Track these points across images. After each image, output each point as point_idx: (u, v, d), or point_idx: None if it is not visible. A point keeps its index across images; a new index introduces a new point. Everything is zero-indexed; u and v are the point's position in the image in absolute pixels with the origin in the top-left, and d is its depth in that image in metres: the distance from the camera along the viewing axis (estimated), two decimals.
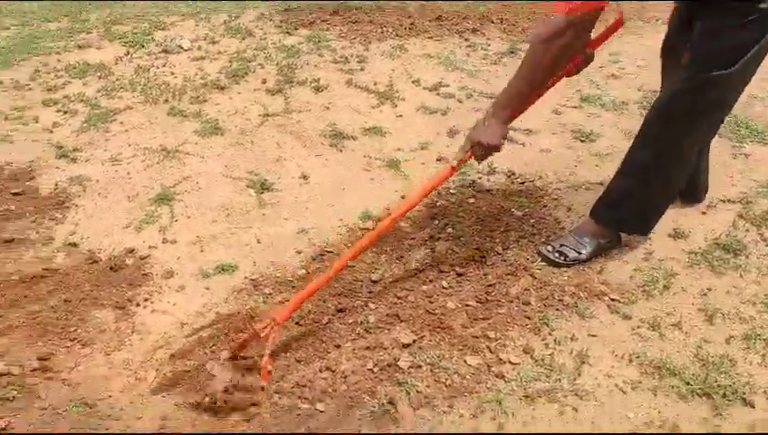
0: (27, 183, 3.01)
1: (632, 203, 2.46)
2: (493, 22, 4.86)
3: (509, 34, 4.68)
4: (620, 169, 2.47)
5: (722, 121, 2.40)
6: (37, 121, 3.53)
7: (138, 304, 2.37)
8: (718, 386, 1.98)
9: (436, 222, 2.76)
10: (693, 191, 2.77)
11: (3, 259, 2.53)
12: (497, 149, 2.24)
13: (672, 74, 2.35)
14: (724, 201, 2.83)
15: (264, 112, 3.61)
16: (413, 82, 3.96)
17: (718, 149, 3.21)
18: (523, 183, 3.02)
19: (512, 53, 4.36)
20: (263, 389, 1.95)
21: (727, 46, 2.07)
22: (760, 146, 3.24)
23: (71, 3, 5.37)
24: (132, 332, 2.27)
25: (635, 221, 2.53)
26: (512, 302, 2.33)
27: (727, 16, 2.04)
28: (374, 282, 2.45)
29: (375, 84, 3.91)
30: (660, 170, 2.37)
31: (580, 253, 2.50)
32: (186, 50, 4.40)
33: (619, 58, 4.28)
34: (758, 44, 2.05)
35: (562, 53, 2.10)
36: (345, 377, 2.05)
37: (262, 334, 1.99)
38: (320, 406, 1.97)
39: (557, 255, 2.50)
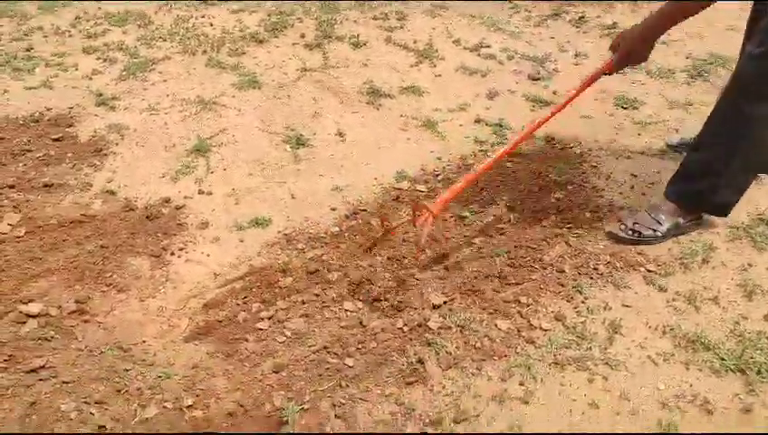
0: (67, 129, 3.04)
1: (707, 179, 2.31)
2: None
3: None
4: (696, 141, 2.37)
5: None
6: (77, 68, 3.55)
7: (172, 253, 2.40)
8: (753, 362, 1.94)
9: (472, 185, 2.72)
10: None
11: (42, 203, 2.58)
12: (645, 59, 2.31)
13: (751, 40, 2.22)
14: None
15: (302, 67, 3.58)
16: (453, 41, 3.88)
17: None
18: (562, 149, 2.97)
19: (556, 15, 4.25)
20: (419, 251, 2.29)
21: None
22: None
23: None
24: (167, 280, 2.30)
25: (711, 199, 2.36)
26: (545, 268, 2.30)
27: None
28: (406, 243, 2.44)
29: (414, 42, 3.85)
30: (736, 144, 2.22)
31: (656, 231, 2.39)
32: (225, 1, 4.36)
33: None
34: None
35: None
36: (375, 334, 2.06)
37: (417, 222, 2.16)
38: (349, 361, 1.98)
39: (630, 233, 2.40)
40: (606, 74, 2.36)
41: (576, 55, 3.75)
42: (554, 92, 3.39)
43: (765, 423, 1.80)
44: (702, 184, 2.33)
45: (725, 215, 2.41)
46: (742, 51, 2.46)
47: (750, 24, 2.41)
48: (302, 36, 3.89)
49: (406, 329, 2.09)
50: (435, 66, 3.63)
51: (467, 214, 2.56)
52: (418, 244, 2.22)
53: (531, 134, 2.39)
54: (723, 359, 1.97)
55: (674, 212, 2.41)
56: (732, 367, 1.95)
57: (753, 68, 2.12)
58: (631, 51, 2.28)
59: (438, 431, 1.78)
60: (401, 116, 3.21)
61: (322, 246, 2.43)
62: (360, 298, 2.21)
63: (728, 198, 2.36)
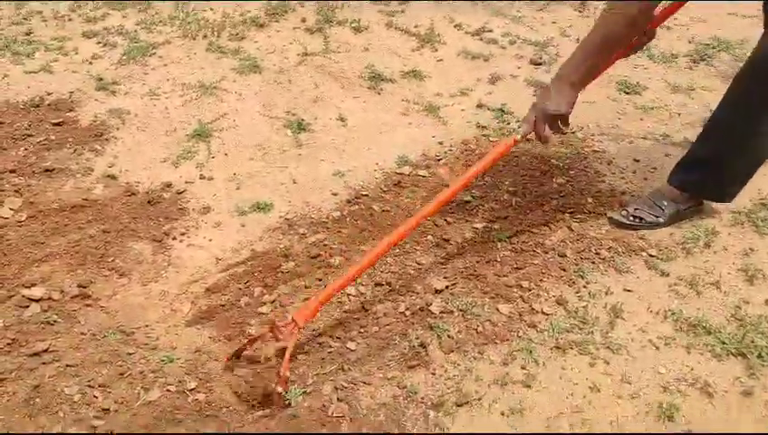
0: (67, 114, 3.03)
1: (711, 167, 2.30)
2: None
3: None
4: (703, 129, 2.34)
5: None
6: (77, 53, 3.53)
7: (174, 238, 2.40)
8: (755, 346, 1.95)
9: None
10: None
11: (43, 187, 2.57)
12: (565, 119, 2.03)
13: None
14: None
15: (303, 52, 3.56)
16: (455, 26, 3.86)
17: None
18: (564, 134, 2.94)
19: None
20: (280, 395, 1.79)
21: None
22: None
23: None
24: (168, 264, 2.30)
25: (714, 187, 2.36)
26: (547, 253, 2.31)
27: None
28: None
29: (416, 27, 3.83)
30: (743, 133, 2.19)
31: (657, 217, 2.39)
32: None
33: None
34: None
35: (638, 25, 1.94)
36: (377, 318, 2.07)
37: (280, 336, 1.85)
38: (351, 345, 1.99)
39: (632, 219, 2.39)
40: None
41: (578, 40, 3.71)
42: None
43: (765, 406, 1.81)
44: (707, 173, 2.32)
45: (729, 201, 2.41)
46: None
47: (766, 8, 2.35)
48: (303, 21, 3.87)
49: (408, 313, 2.09)
50: (436, 51, 3.62)
51: (470, 198, 2.56)
52: (280, 374, 1.79)
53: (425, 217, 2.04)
54: (724, 343, 1.97)
55: (676, 198, 2.40)
56: (733, 351, 1.95)
57: (764, 54, 2.09)
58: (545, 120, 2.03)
59: (440, 415, 1.79)
60: (403, 101, 3.20)
61: (324, 231, 2.43)
62: (362, 283, 2.21)
63: (733, 187, 2.35)
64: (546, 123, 2.02)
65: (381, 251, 1.96)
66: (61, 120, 2.97)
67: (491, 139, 2.92)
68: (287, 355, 1.80)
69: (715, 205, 2.47)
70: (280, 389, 1.79)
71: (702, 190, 2.40)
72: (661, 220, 2.39)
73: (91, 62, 3.45)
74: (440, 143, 2.90)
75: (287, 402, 1.81)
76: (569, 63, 1.98)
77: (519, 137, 2.07)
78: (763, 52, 2.11)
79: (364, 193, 2.61)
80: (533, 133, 2.06)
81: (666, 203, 2.40)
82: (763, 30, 2.12)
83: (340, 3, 4.06)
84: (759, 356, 1.92)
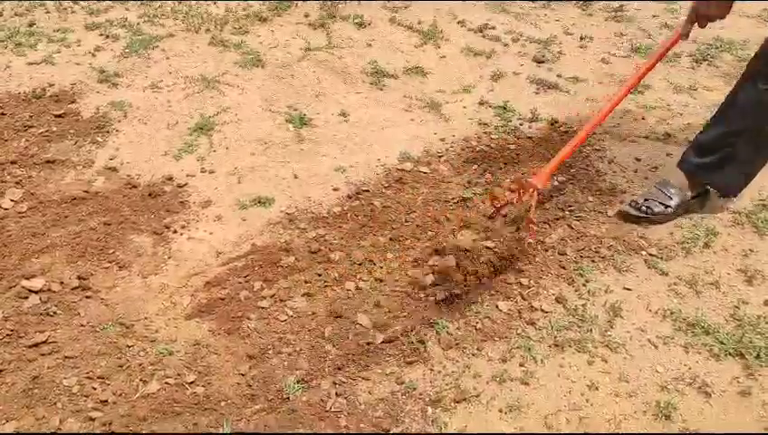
0: (69, 105, 3.03)
1: (719, 155, 2.31)
2: None
3: None
4: (714, 115, 2.35)
5: None
6: (80, 44, 3.52)
7: (175, 231, 2.40)
8: (753, 346, 1.95)
9: (475, 166, 2.72)
10: None
11: (44, 179, 2.57)
12: (722, 16, 2.11)
13: None
14: None
15: (306, 47, 3.56)
16: (458, 22, 3.86)
17: None
18: (566, 132, 2.95)
19: None
20: (529, 244, 2.23)
21: None
22: None
23: None
24: (169, 257, 2.30)
25: (721, 175, 2.37)
26: (547, 251, 2.31)
27: None
28: (408, 224, 2.44)
29: (419, 23, 3.82)
30: (750, 125, 2.21)
31: (666, 205, 2.40)
32: None
33: (673, 6, 4.11)
34: None
35: None
36: (377, 313, 2.07)
37: (525, 198, 2.21)
38: (351, 341, 1.99)
39: (644, 209, 2.40)
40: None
41: (581, 38, 3.72)
42: (559, 75, 3.37)
43: (763, 407, 1.81)
44: (713, 159, 2.33)
45: (734, 196, 2.43)
46: None
47: None
48: (306, 16, 3.87)
49: (408, 309, 2.09)
50: (439, 47, 3.61)
51: (470, 195, 2.56)
52: (530, 221, 2.18)
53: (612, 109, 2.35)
54: (722, 343, 1.98)
55: (683, 186, 2.42)
56: (731, 351, 1.96)
57: None
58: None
59: (438, 411, 1.79)
60: (405, 97, 3.19)
61: (325, 226, 2.43)
62: (362, 278, 2.21)
63: (737, 180, 2.37)
64: (704, 20, 2.14)
65: (602, 117, 2.33)
66: (62, 111, 2.97)
67: (492, 136, 2.91)
68: (533, 210, 2.17)
69: (716, 203, 2.48)
70: (530, 239, 2.21)
71: (708, 177, 2.40)
72: (670, 210, 2.40)
73: (93, 54, 3.45)
74: (442, 140, 2.90)
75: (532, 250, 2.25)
76: None
77: (684, 31, 2.22)
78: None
79: (365, 189, 2.61)
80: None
81: (673, 192, 2.42)
82: None
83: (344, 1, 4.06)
84: (757, 356, 1.93)
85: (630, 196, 2.54)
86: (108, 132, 2.88)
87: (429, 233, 2.39)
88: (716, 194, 2.47)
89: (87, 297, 2.12)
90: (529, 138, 2.91)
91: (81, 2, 3.97)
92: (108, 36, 3.61)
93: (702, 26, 2.17)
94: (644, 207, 2.41)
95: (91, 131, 2.88)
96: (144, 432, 1.72)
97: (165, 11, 3.89)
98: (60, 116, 2.94)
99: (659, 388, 1.87)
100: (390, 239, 2.37)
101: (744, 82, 2.24)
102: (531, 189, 2.20)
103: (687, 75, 3.40)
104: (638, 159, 2.78)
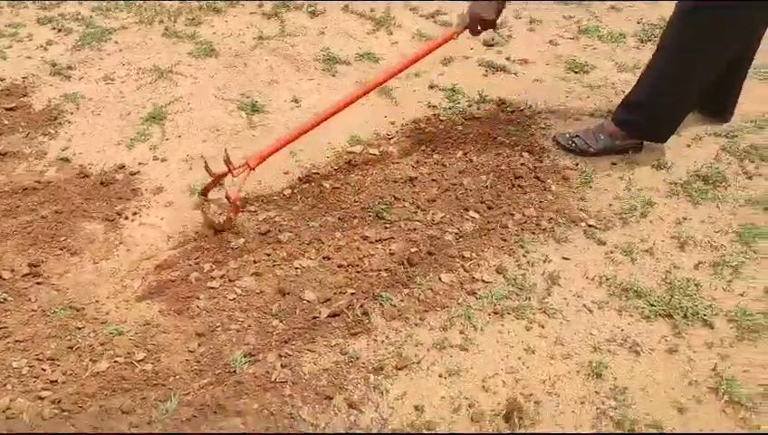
0: (21, 99, 3.04)
1: (644, 109, 2.59)
2: None
3: None
4: (640, 75, 2.63)
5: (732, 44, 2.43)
6: (31, 39, 3.53)
7: (126, 218, 2.44)
8: (681, 307, 2.05)
9: (423, 147, 2.79)
10: (718, 108, 2.88)
11: None
12: (493, 24, 2.49)
13: None
14: (710, 135, 2.85)
15: (259, 35, 3.59)
16: (410, 9, 3.92)
17: None
18: (512, 112, 3.03)
19: None
20: (230, 219, 2.33)
21: None
22: (756, 81, 3.21)
23: None
24: (120, 243, 2.34)
25: (646, 127, 2.65)
26: (489, 223, 2.38)
27: None
28: (357, 204, 2.50)
29: (372, 11, 3.87)
30: (671, 80, 2.49)
31: (589, 146, 2.69)
32: None
33: None
34: None
35: None
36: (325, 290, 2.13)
37: (234, 172, 2.33)
38: (297, 317, 2.05)
39: (570, 142, 2.74)
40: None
41: (531, 21, 3.80)
42: (507, 58, 3.44)
43: (688, 362, 1.91)
44: (638, 113, 2.61)
45: (663, 141, 2.68)
46: None
47: None
48: (260, 6, 3.90)
49: (354, 285, 2.16)
50: (391, 33, 3.67)
51: (417, 175, 2.62)
52: (236, 197, 2.32)
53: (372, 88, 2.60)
54: (653, 305, 2.07)
55: (614, 134, 2.68)
56: (661, 312, 2.05)
57: (683, 22, 2.39)
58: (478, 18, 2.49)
59: (381, 378, 1.86)
60: (356, 82, 3.25)
61: (275, 208, 2.48)
62: (310, 256, 2.27)
63: (664, 127, 2.64)
64: (476, 27, 2.51)
65: (330, 113, 2.49)
66: (14, 104, 2.98)
67: (441, 118, 2.98)
68: (240, 186, 2.32)
69: (653, 178, 2.58)
70: (231, 214, 2.33)
71: (635, 129, 2.67)
72: (591, 150, 2.69)
73: (45, 48, 3.45)
74: (392, 123, 2.96)
75: (235, 228, 2.36)
76: None
77: (454, 33, 2.54)
78: (677, 18, 2.42)
79: (315, 171, 2.66)
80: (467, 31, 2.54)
81: (602, 137, 2.69)
82: None
83: None
84: (684, 316, 2.03)
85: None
86: (60, 124, 2.90)
87: (373, 212, 2.45)
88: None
89: (38, 283, 2.16)
90: (476, 118, 2.98)
91: None
92: (60, 30, 3.62)
93: (474, 32, 2.54)
94: (570, 141, 2.74)
95: (43, 123, 2.90)
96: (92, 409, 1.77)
97: (118, 4, 3.90)
98: (11, 109, 2.95)
99: (592, 349, 1.96)
100: (339, 219, 2.43)
101: (657, 51, 2.55)
102: (245, 167, 2.36)
103: (632, 55, 3.49)
104: None
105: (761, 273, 2.20)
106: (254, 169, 2.37)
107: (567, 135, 2.78)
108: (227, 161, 2.32)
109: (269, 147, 2.43)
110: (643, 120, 2.62)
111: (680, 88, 2.50)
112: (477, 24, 2.49)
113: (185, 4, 3.90)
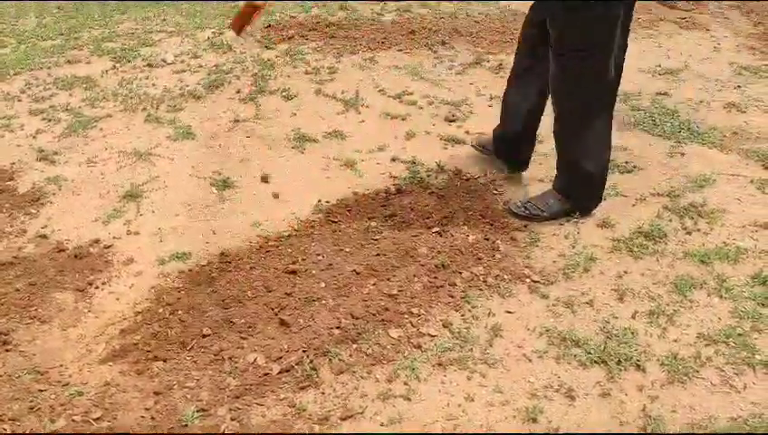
0: (7, 183, 3.24)
1: (566, 173, 2.87)
2: (462, 35, 5.08)
3: (476, 47, 4.89)
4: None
5: (603, 90, 2.68)
6: (23, 129, 3.77)
7: (96, 287, 2.57)
8: (615, 354, 2.15)
9: (382, 210, 2.95)
10: (525, 157, 3.21)
11: None
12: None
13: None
14: (654, 195, 3.01)
15: (235, 118, 3.84)
16: (379, 91, 4.18)
17: (658, 149, 3.40)
18: (467, 180, 3.21)
19: (477, 63, 4.57)
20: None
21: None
22: (697, 146, 3.41)
23: (67, 22, 5.68)
24: (89, 311, 2.46)
25: (571, 190, 2.86)
26: (437, 278, 2.51)
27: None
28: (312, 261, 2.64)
29: (342, 93, 4.13)
30: (569, 143, 2.81)
31: (543, 211, 2.86)
32: (169, 63, 4.65)
33: None
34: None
35: None
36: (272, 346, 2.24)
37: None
38: (249, 373, 2.15)
39: (522, 209, 2.89)
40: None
41: (491, 98, 4.04)
42: (467, 132, 3.66)
43: (619, 404, 1.99)
44: (564, 178, 2.89)
45: (588, 214, 2.89)
46: None
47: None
48: (238, 92, 4.17)
49: (305, 345, 2.26)
50: (360, 113, 3.91)
51: (373, 224, 2.78)
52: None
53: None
54: (589, 353, 2.17)
55: (559, 199, 2.87)
56: (596, 359, 2.15)
57: (558, 68, 2.66)
58: None
59: (325, 429, 1.95)
60: (323, 157, 3.45)
61: (237, 271, 2.62)
62: (268, 317, 2.39)
63: (579, 192, 2.88)
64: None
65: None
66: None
67: (403, 188, 3.16)
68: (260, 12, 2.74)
69: (597, 235, 2.73)
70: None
71: (568, 193, 2.87)
72: (545, 214, 2.84)
73: (35, 137, 3.69)
74: (354, 193, 3.14)
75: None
76: None
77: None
78: (551, 72, 2.69)
79: (276, 239, 2.81)
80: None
81: (552, 201, 2.85)
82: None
83: (273, 73, 4.39)
84: (618, 362, 2.12)
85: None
86: (42, 204, 3.09)
87: (325, 283, 2.58)
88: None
89: (7, 350, 2.27)
90: (432, 185, 3.16)
91: (28, 90, 4.24)
92: (50, 120, 3.87)
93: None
94: (522, 208, 2.90)
95: (26, 204, 3.08)
96: None
97: (106, 94, 4.17)
98: None
99: (530, 395, 2.04)
100: (292, 272, 2.56)
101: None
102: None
103: None
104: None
105: (695, 320, 2.31)
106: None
107: (518, 202, 2.93)
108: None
109: None
110: (569, 184, 2.87)
111: (576, 147, 2.81)
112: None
113: (168, 92, 4.17)
